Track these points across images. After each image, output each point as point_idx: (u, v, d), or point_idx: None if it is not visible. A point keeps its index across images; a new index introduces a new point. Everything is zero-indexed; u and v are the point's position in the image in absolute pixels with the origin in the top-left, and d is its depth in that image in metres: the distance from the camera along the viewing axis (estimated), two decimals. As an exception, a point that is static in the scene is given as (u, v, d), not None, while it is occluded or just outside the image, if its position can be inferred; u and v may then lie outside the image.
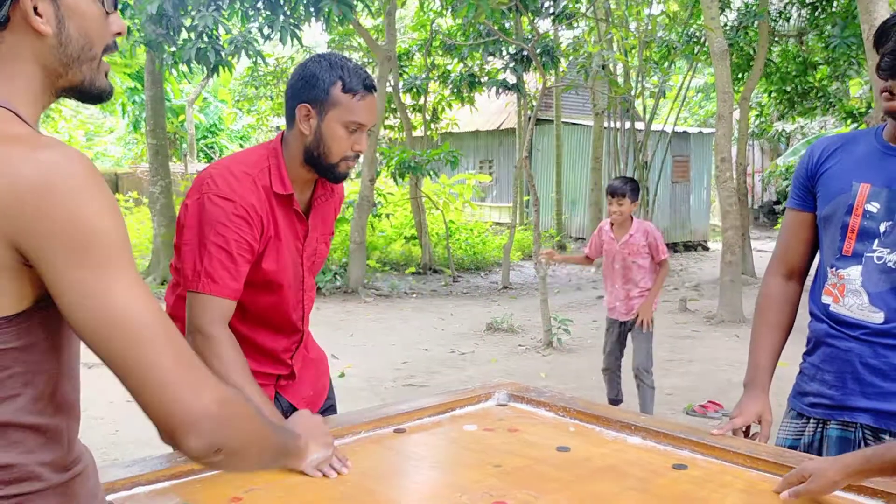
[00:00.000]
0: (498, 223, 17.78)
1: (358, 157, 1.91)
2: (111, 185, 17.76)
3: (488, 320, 8.50)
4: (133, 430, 4.88)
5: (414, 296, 10.88)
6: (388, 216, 11.97)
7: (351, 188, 13.51)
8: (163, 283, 10.68)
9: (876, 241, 1.75)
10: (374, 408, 2.14)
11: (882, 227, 1.74)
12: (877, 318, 1.74)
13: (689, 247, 17.28)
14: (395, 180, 11.01)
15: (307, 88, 1.82)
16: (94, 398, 5.56)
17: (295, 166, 1.89)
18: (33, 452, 0.95)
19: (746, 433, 1.90)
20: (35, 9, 0.95)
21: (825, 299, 1.84)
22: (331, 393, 2.28)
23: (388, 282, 11.57)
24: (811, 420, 1.87)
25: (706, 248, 17.41)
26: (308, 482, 1.59)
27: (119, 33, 1.06)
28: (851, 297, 1.78)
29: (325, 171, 1.89)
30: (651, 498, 1.52)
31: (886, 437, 1.74)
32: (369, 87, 1.84)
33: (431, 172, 10.89)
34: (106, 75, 1.06)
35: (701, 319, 8.98)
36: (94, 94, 1.05)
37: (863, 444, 1.78)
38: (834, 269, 1.82)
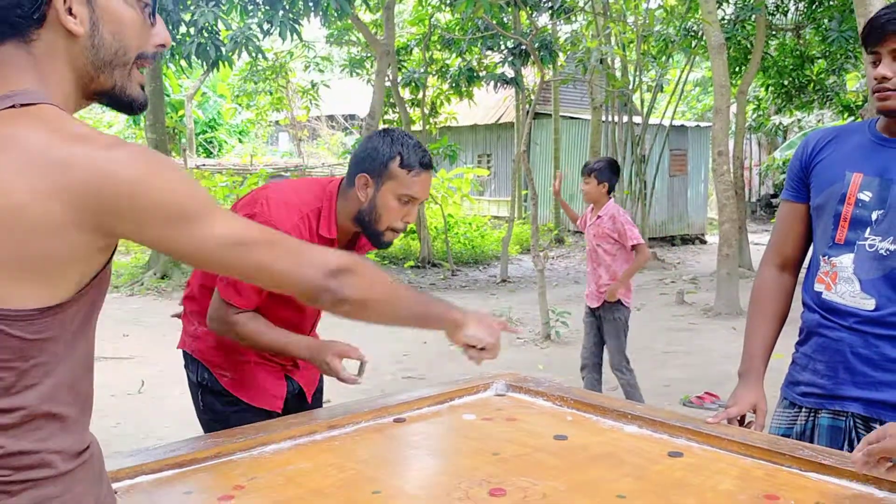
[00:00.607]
0: (496, 217, 17.80)
1: (405, 228, 2.06)
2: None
3: (487, 313, 8.51)
4: (134, 422, 4.91)
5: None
6: (386, 210, 11.95)
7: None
8: (163, 278, 10.71)
9: (868, 230, 1.77)
10: (375, 398, 2.17)
11: (874, 216, 1.76)
12: (868, 304, 1.77)
13: (686, 240, 17.30)
14: (394, 174, 11.00)
15: (368, 160, 1.99)
16: (96, 391, 5.59)
17: (344, 219, 2.04)
18: (48, 440, 0.98)
19: (741, 422, 1.93)
20: (69, 10, 0.98)
21: (817, 287, 1.87)
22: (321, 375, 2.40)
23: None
24: (803, 409, 1.90)
25: (703, 242, 17.44)
26: (309, 471, 1.62)
27: (163, 45, 1.09)
28: (843, 285, 1.80)
29: (371, 235, 2.06)
30: (647, 485, 1.55)
31: (877, 426, 1.77)
32: (426, 166, 2.00)
33: (430, 166, 10.89)
34: (143, 88, 1.09)
35: (698, 312, 9.02)
36: (125, 102, 1.08)
37: (853, 433, 1.81)
38: (826, 257, 1.84)
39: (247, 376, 2.14)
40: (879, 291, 1.75)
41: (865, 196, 1.78)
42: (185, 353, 2.23)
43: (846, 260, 1.80)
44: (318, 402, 2.37)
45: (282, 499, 1.50)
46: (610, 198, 4.78)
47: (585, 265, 5.45)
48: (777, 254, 2.01)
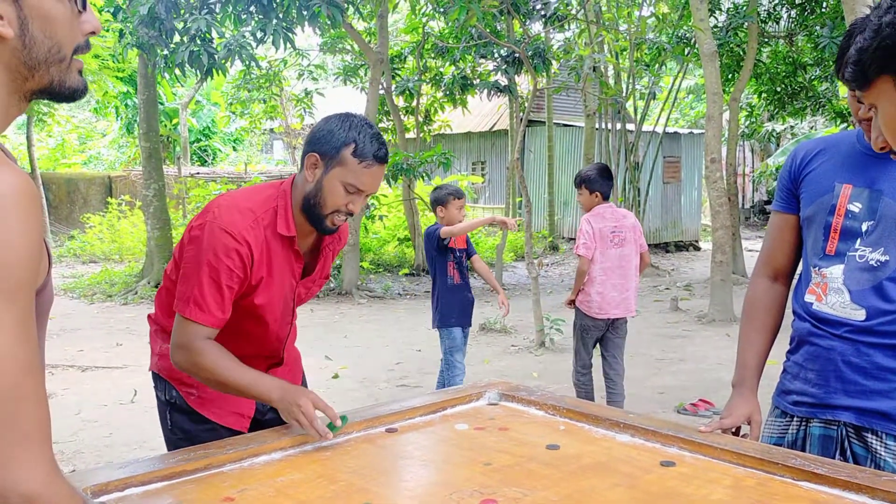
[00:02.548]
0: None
1: (350, 215, 1.97)
2: (104, 188, 17.70)
3: (481, 321, 8.51)
4: (126, 432, 4.88)
5: (407, 297, 10.90)
6: (381, 218, 11.98)
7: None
8: (157, 286, 10.68)
9: (858, 241, 1.77)
10: (367, 407, 2.15)
11: (864, 227, 1.76)
12: (858, 315, 1.77)
13: (680, 247, 17.34)
14: (389, 182, 11.03)
15: (321, 141, 1.91)
16: (88, 401, 5.57)
17: (298, 213, 1.97)
18: None
19: (736, 433, 1.93)
20: None
21: (808, 298, 1.87)
22: (304, 383, 2.35)
23: (382, 283, 11.58)
24: (795, 418, 1.89)
25: (697, 248, 17.47)
26: (300, 483, 1.61)
27: (93, 32, 1.02)
28: (834, 296, 1.80)
29: (315, 219, 1.96)
30: (639, 494, 1.54)
31: (869, 435, 1.77)
32: (380, 159, 1.91)
33: (424, 174, 10.91)
34: (80, 73, 1.03)
35: (692, 319, 9.02)
36: (65, 94, 1.02)
37: (846, 442, 1.80)
38: (817, 268, 1.84)
39: (214, 393, 2.04)
40: (869, 302, 1.75)
41: (855, 207, 1.78)
42: (153, 374, 2.17)
43: (836, 271, 1.80)
44: None
45: (272, 511, 1.48)
46: (600, 204, 4.84)
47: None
48: (768, 265, 2.01)
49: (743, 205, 22.29)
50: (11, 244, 0.85)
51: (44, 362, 1.03)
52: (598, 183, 4.78)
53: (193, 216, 1.97)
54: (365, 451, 1.79)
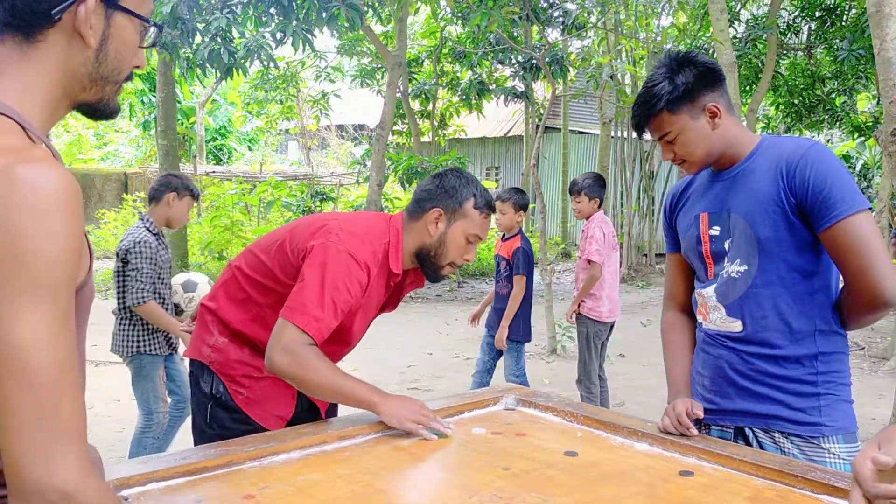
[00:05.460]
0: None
1: (462, 265, 2.15)
2: (120, 184, 17.83)
3: (493, 327, 8.50)
4: (139, 428, 4.90)
5: (419, 300, 10.91)
6: (394, 221, 12.02)
7: (359, 193, 13.54)
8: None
9: (726, 260, 1.89)
10: (384, 410, 2.15)
11: (727, 245, 1.88)
12: (735, 327, 1.87)
13: (694, 257, 17.28)
14: (403, 185, 11.05)
15: (444, 196, 2.09)
16: (101, 396, 5.60)
17: (406, 254, 2.10)
18: None
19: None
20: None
21: (698, 318, 2.00)
22: None
23: (394, 286, 11.59)
24: (702, 424, 1.97)
25: (711, 259, 17.39)
26: (319, 482, 1.62)
27: (138, 66, 1.08)
28: (713, 313, 1.92)
29: (430, 269, 2.12)
30: (658, 503, 1.54)
31: (767, 436, 1.86)
32: (493, 209, 2.15)
33: (439, 178, 10.92)
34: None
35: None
36: (105, 113, 1.07)
37: (738, 438, 1.90)
38: (698, 291, 1.97)
39: (261, 393, 2.11)
40: (742, 312, 1.86)
41: (715, 231, 1.91)
42: (196, 363, 2.18)
43: (710, 290, 1.92)
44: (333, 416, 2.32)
45: (292, 509, 1.49)
46: (597, 211, 4.78)
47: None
48: (672, 300, 2.13)
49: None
50: (55, 241, 0.87)
51: (84, 357, 1.04)
52: (596, 190, 4.72)
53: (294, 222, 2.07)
54: (383, 453, 1.80)
